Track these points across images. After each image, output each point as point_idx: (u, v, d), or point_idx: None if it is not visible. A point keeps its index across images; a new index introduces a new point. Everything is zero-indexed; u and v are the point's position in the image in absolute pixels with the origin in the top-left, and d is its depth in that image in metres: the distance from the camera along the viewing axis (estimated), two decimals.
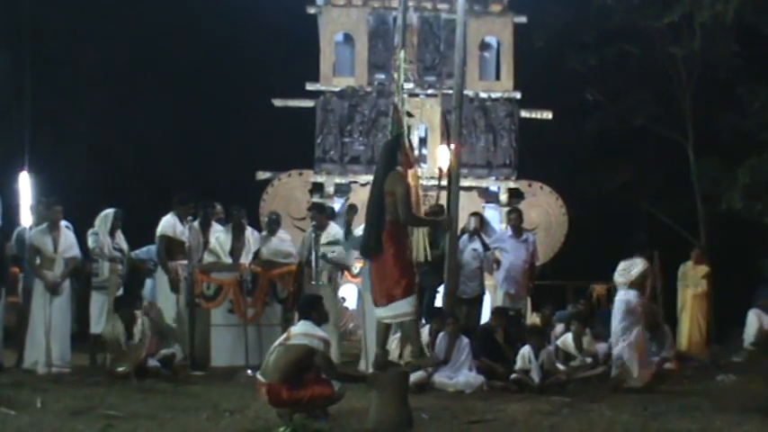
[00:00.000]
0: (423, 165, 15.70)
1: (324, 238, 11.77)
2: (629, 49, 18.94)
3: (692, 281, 14.41)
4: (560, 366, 10.60)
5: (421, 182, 8.08)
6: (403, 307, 7.49)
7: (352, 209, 12.70)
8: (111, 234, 11.63)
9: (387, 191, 7.51)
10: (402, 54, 8.03)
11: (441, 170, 8.56)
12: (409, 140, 8.03)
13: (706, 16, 16.54)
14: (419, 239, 7.81)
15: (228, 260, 11.40)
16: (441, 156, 8.72)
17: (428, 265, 10.10)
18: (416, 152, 8.60)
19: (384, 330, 7.82)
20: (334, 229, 11.97)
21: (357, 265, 11.66)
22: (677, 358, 12.32)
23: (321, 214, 12.07)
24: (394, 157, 7.70)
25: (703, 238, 18.12)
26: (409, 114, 8.27)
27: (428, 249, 7.93)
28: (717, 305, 14.81)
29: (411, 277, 7.60)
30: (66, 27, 20.66)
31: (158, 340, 10.55)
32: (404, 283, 7.48)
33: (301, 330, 7.65)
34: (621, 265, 10.91)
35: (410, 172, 7.76)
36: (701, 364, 12.90)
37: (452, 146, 10.08)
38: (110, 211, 11.66)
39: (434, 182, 14.21)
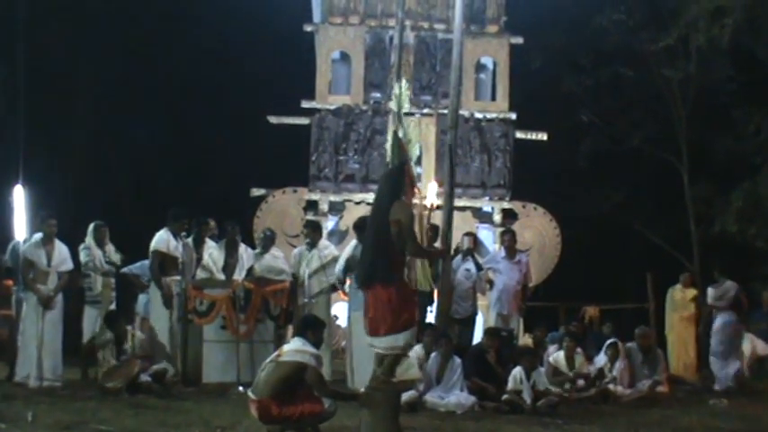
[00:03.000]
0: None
1: (316, 256, 11.82)
2: (624, 71, 19.07)
3: (681, 304, 14.49)
4: (552, 389, 10.64)
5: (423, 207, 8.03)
6: (398, 341, 7.36)
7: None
8: (101, 247, 11.69)
9: (392, 219, 7.36)
10: (403, 84, 7.98)
11: (431, 206, 8.58)
12: (412, 168, 7.94)
13: (702, 40, 16.66)
14: (422, 268, 7.66)
15: (221, 276, 11.44)
16: (429, 192, 8.72)
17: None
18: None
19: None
20: (328, 249, 12.03)
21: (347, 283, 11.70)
22: (669, 382, 12.40)
23: (315, 232, 12.14)
24: (399, 185, 7.54)
25: (697, 260, 18.18)
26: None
27: (430, 278, 7.80)
28: (709, 328, 14.88)
29: (412, 310, 7.51)
30: (62, 40, 20.73)
31: (150, 355, 10.58)
32: (405, 316, 7.38)
33: (293, 347, 7.67)
34: (715, 293, 12.58)
35: (414, 201, 7.67)
36: (692, 388, 12.96)
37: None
38: (93, 224, 11.76)
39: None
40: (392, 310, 7.34)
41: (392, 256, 7.39)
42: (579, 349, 11.82)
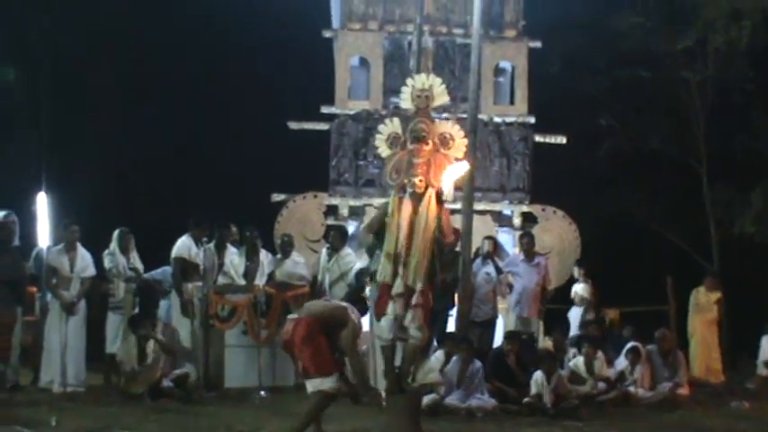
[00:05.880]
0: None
1: (335, 265, 11.81)
2: (642, 73, 18.99)
3: (705, 306, 14.39)
4: (574, 388, 10.57)
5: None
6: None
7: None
8: (126, 253, 11.74)
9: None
10: (437, 80, 8.15)
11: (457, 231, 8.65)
12: None
13: (720, 41, 16.59)
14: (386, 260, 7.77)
15: (242, 282, 11.46)
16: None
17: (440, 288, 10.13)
18: None
19: (389, 351, 7.84)
20: (349, 256, 12.01)
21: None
22: (690, 384, 12.32)
23: (340, 239, 12.12)
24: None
25: (716, 262, 18.06)
26: None
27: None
28: (729, 331, 14.78)
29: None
30: (82, 47, 20.84)
31: (172, 360, 10.60)
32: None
33: (347, 304, 7.85)
34: None
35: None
36: (713, 391, 12.87)
37: None
38: (118, 231, 11.80)
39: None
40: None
41: None
42: (599, 353, 11.75)
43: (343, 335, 7.57)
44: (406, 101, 8.11)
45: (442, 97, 8.11)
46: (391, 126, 8.09)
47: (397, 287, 7.56)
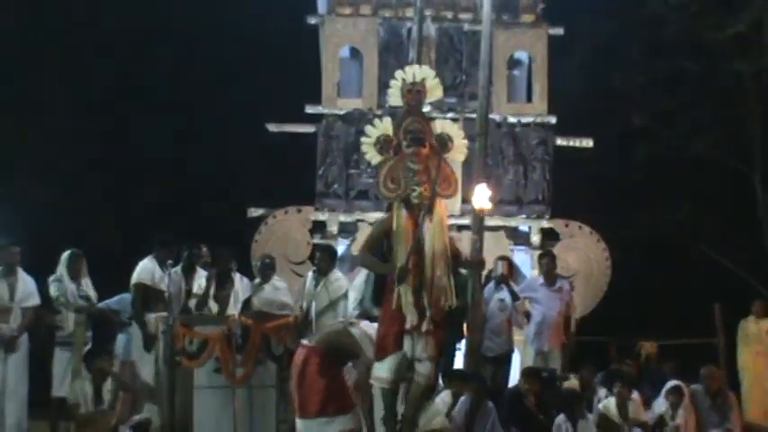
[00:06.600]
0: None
1: (324, 291, 11.88)
2: (685, 65, 19.11)
3: (755, 337, 14.45)
4: None
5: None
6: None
7: None
8: (76, 279, 11.79)
9: None
10: (431, 73, 8.31)
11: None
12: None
13: None
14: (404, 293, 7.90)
15: (213, 311, 11.55)
16: (478, 196, 8.77)
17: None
18: None
19: (391, 394, 7.94)
20: (338, 281, 12.05)
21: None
22: (743, 430, 12.37)
23: (328, 260, 12.17)
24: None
25: None
26: None
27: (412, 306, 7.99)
28: None
29: None
30: (23, 37, 20.95)
31: (132, 404, 10.65)
32: None
33: (368, 326, 8.05)
34: None
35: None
36: None
37: None
38: (66, 253, 11.85)
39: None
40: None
41: None
42: (634, 394, 11.81)
43: (354, 365, 7.73)
44: (395, 96, 8.23)
45: (435, 91, 8.26)
46: (380, 127, 8.21)
47: (412, 318, 7.67)
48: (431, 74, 8.27)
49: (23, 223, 16.08)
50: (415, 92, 8.14)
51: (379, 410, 9.64)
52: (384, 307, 7.83)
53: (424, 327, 7.72)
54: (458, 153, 8.20)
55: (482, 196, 8.56)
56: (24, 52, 20.96)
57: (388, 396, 7.84)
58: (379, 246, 8.02)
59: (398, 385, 7.87)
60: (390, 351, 7.68)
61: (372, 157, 8.19)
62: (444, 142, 8.15)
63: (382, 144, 8.13)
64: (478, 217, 10.83)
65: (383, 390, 7.81)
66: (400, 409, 8.01)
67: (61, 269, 11.82)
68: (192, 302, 11.63)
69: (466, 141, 8.33)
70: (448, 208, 8.39)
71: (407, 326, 7.69)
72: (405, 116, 8.19)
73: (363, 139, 8.29)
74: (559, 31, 17.32)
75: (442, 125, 8.31)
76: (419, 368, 7.71)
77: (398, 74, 8.30)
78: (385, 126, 8.20)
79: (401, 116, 8.26)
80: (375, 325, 8.00)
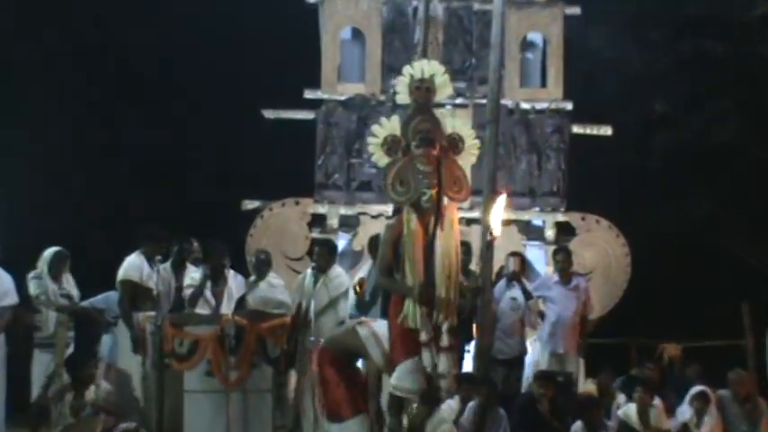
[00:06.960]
0: None
1: (323, 289, 11.84)
2: (709, 47, 19.06)
3: None
4: None
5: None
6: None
7: None
8: (57, 278, 11.77)
9: None
10: (436, 65, 8.33)
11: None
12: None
13: None
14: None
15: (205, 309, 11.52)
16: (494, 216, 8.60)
17: None
18: None
19: (399, 402, 7.92)
20: (339, 278, 12.02)
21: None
22: None
23: (327, 255, 12.14)
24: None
25: None
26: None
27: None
28: None
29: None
30: (11, 30, 20.94)
31: (118, 411, 10.62)
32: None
33: (382, 326, 7.99)
34: None
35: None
36: None
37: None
38: (51, 250, 11.81)
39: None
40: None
41: None
42: (656, 400, 11.78)
43: (363, 367, 7.85)
44: (402, 94, 8.23)
45: (444, 89, 8.25)
46: (388, 127, 8.18)
47: (427, 332, 7.67)
48: (440, 69, 8.25)
49: (4, 217, 16.09)
50: (423, 89, 8.11)
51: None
52: (391, 314, 7.84)
53: (446, 341, 7.72)
54: (469, 154, 8.19)
55: (497, 219, 8.43)
56: (8, 45, 20.93)
57: (396, 403, 7.84)
58: (394, 262, 7.99)
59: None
60: (411, 357, 7.68)
61: (379, 158, 8.15)
62: (455, 143, 8.13)
63: (390, 145, 8.08)
64: (488, 242, 10.53)
65: (393, 396, 7.83)
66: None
67: (42, 266, 11.80)
68: (186, 294, 11.58)
69: (477, 142, 8.30)
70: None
71: (422, 339, 7.68)
72: (413, 115, 8.15)
73: (370, 140, 8.27)
74: (576, 10, 17.24)
75: (454, 123, 8.28)
76: (443, 384, 7.74)
77: (406, 69, 8.28)
78: (393, 125, 8.16)
79: (409, 115, 8.22)
80: (385, 323, 7.99)
